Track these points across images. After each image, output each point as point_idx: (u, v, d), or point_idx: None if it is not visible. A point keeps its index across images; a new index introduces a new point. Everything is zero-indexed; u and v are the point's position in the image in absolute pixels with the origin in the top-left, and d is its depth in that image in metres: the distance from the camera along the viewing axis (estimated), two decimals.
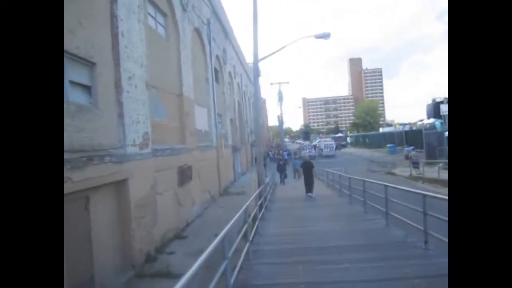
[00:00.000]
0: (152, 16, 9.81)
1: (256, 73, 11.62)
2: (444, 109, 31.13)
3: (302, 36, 13.38)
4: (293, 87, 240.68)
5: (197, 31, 14.45)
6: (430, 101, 48.30)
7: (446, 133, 22.63)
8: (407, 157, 25.80)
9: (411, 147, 26.10)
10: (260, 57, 12.03)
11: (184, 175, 10.47)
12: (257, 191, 9.80)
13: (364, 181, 9.38)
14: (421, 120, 53.05)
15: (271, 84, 46.18)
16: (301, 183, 15.59)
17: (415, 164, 20.49)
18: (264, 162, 26.66)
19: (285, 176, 22.00)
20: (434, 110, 39.60)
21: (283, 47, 12.86)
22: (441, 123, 29.43)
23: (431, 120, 40.06)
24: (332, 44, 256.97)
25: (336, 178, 14.84)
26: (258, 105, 12.52)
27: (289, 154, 40.56)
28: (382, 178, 20.00)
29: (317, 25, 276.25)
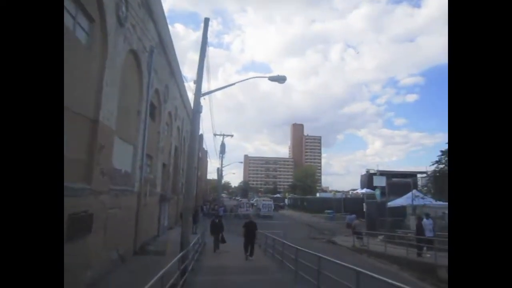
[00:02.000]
0: (69, 13, 7.52)
1: (197, 107, 9.56)
2: (377, 180, 32.26)
3: (256, 76, 11.79)
4: (236, 143, 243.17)
5: (134, 55, 12.31)
6: (363, 172, 51.20)
7: (389, 204, 22.07)
8: (348, 226, 24.62)
9: (353, 215, 25.07)
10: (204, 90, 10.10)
11: (77, 225, 7.51)
12: (177, 257, 7.20)
13: (319, 257, 7.27)
14: (354, 190, 54.82)
15: (215, 135, 44.47)
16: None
17: (359, 235, 19.10)
18: (196, 218, 23.64)
19: (223, 241, 15.33)
20: (367, 180, 41.16)
21: (232, 84, 11.20)
22: (381, 193, 29.38)
23: (364, 190, 41.48)
24: (279, 107, 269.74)
25: (278, 246, 12.54)
26: (195, 145, 10.28)
27: (225, 211, 37.70)
28: (323, 247, 18.26)
29: (263, 87, 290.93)
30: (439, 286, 11.01)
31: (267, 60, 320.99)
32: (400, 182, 29.10)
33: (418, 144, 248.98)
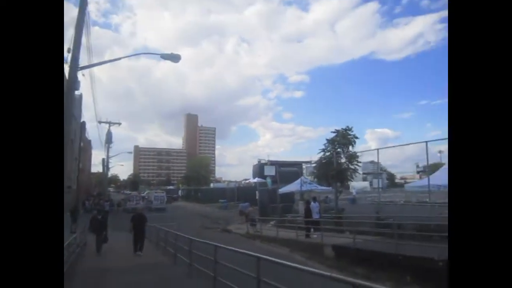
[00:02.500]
0: None
1: (74, 83, 7.91)
2: (267, 170, 34.15)
3: (148, 52, 10.46)
4: (126, 133, 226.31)
5: None
6: (255, 162, 53.51)
7: (279, 190, 23.14)
8: (241, 213, 25.05)
9: (246, 203, 25.63)
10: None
11: None
12: None
13: (216, 246, 6.76)
14: (247, 179, 56.86)
15: (99, 122, 40.12)
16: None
17: (252, 221, 19.46)
18: (75, 215, 20.80)
19: (105, 240, 13.16)
20: (259, 170, 43.17)
21: (118, 59, 9.75)
22: (272, 181, 30.78)
23: (256, 179, 43.45)
24: (173, 97, 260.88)
25: (171, 239, 11.66)
26: (69, 128, 8.59)
27: (111, 205, 34.51)
28: (218, 236, 18.01)
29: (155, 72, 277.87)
30: (324, 263, 11.75)
31: (161, 47, 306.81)
32: (290, 170, 31.07)
33: (303, 137, 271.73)
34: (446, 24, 1.93)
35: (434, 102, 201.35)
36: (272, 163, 40.43)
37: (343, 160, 17.52)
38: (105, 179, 41.95)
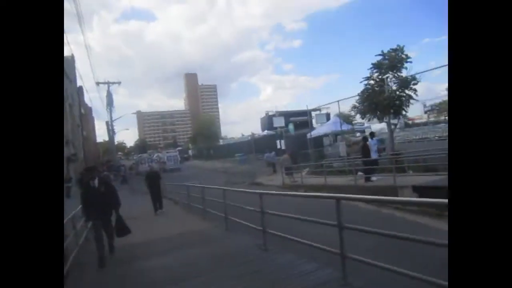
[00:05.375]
0: None
1: None
2: (276, 121, 32.11)
3: None
4: (126, 101, 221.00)
5: None
6: (262, 116, 51.09)
7: (312, 133, 20.36)
8: (269, 164, 22.57)
9: (273, 152, 23.01)
10: None
11: None
12: None
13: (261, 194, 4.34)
14: (254, 134, 54.63)
15: (98, 84, 36.80)
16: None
17: (288, 170, 16.90)
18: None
19: (118, 234, 6.43)
20: (268, 122, 41.11)
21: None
22: (294, 127, 28.09)
23: (265, 132, 41.32)
24: (169, 58, 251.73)
25: (208, 196, 9.02)
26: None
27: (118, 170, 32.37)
28: (252, 189, 15.70)
29: (149, 35, 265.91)
30: (405, 209, 9.27)
31: (149, 6, 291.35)
32: (302, 119, 28.26)
33: (305, 87, 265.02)
34: None
35: (438, 39, 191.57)
36: (280, 114, 37.80)
37: (394, 87, 14.46)
38: (112, 144, 39.31)
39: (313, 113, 27.33)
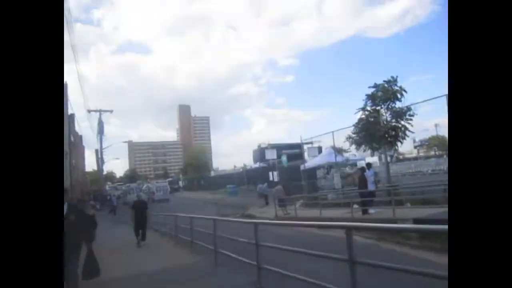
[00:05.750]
0: None
1: None
2: (269, 153, 32.74)
3: None
4: (118, 131, 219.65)
5: None
6: (253, 149, 51.28)
7: (306, 165, 19.96)
8: (261, 196, 21.94)
9: (265, 184, 22.46)
10: None
11: None
12: None
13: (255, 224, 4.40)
14: (246, 166, 54.36)
15: (89, 111, 36.48)
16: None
17: (281, 202, 16.31)
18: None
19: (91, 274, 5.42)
20: (260, 154, 41.26)
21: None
22: (292, 155, 27.76)
23: (257, 164, 41.23)
24: (164, 90, 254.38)
25: (198, 227, 8.39)
26: None
27: (108, 201, 31.33)
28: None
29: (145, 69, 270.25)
30: (405, 243, 8.76)
31: (146, 39, 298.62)
32: (294, 152, 28.12)
33: (296, 121, 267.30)
34: None
35: (424, 77, 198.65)
36: (272, 146, 37.75)
37: (388, 118, 14.34)
38: (100, 173, 38.33)
39: (305, 146, 27.24)
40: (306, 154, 22.91)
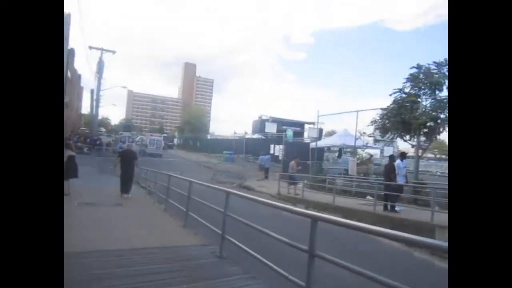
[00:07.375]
0: None
1: None
2: (268, 127, 31.36)
3: None
4: (119, 72, 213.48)
5: None
6: (253, 119, 49.44)
7: (318, 143, 18.12)
8: (261, 168, 20.21)
9: (268, 156, 20.68)
10: None
11: None
12: None
13: None
14: (246, 133, 52.64)
15: (90, 48, 33.89)
16: None
17: (292, 180, 14.52)
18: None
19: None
20: (260, 126, 39.70)
21: None
22: (293, 134, 25.91)
23: (255, 135, 39.63)
24: (170, 44, 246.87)
25: (195, 196, 6.59)
26: None
27: (100, 145, 29.59)
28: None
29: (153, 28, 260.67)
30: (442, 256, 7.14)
31: None
32: (294, 130, 26.00)
33: (303, 99, 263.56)
34: None
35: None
36: (273, 120, 35.73)
37: (428, 107, 12.39)
38: (94, 115, 36.27)
39: (306, 126, 25.36)
40: (306, 134, 21.19)
